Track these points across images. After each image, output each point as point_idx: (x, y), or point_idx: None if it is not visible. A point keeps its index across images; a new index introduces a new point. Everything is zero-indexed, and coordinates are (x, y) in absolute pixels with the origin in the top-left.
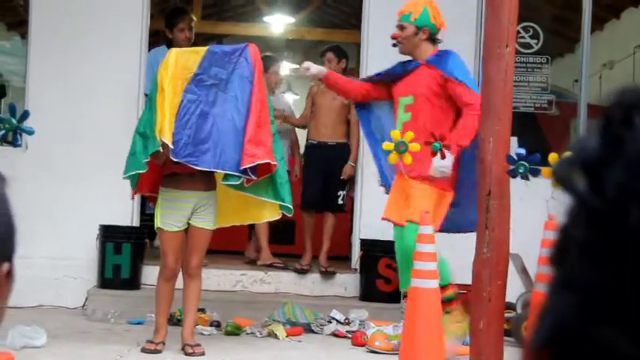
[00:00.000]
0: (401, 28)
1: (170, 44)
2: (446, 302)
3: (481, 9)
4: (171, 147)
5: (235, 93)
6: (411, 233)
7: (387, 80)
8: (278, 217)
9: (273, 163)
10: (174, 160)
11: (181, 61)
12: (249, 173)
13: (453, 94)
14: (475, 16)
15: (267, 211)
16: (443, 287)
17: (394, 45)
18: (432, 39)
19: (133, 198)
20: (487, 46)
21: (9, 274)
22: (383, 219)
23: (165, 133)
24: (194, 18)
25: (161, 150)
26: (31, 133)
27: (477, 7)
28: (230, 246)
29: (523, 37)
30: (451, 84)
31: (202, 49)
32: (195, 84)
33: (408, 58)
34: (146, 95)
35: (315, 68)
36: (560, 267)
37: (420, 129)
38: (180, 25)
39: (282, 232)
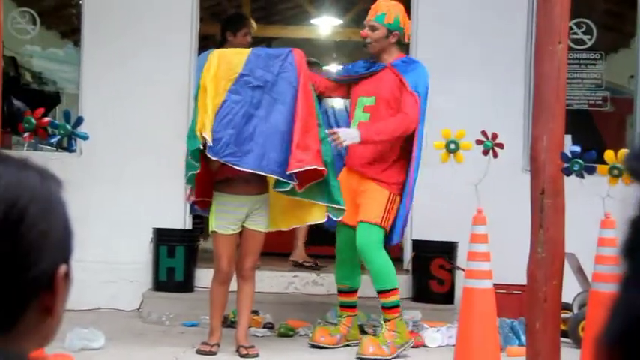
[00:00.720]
0: (373, 28)
1: (220, 48)
2: (388, 308)
3: (532, 5)
4: (210, 144)
5: (279, 97)
6: (369, 233)
7: (349, 79)
8: (324, 220)
9: (320, 168)
10: (214, 158)
11: (225, 62)
12: (294, 178)
13: (402, 97)
14: (526, 12)
15: (314, 214)
16: (387, 291)
17: (364, 45)
18: (400, 43)
19: (189, 202)
20: (539, 43)
21: (67, 276)
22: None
23: (206, 129)
24: (254, 24)
25: (201, 147)
26: (85, 138)
27: (528, 4)
28: (282, 248)
29: (576, 34)
30: (406, 91)
31: (246, 51)
32: (240, 85)
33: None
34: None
35: None
36: (631, 263)
37: None
38: (244, 30)
39: (332, 234)
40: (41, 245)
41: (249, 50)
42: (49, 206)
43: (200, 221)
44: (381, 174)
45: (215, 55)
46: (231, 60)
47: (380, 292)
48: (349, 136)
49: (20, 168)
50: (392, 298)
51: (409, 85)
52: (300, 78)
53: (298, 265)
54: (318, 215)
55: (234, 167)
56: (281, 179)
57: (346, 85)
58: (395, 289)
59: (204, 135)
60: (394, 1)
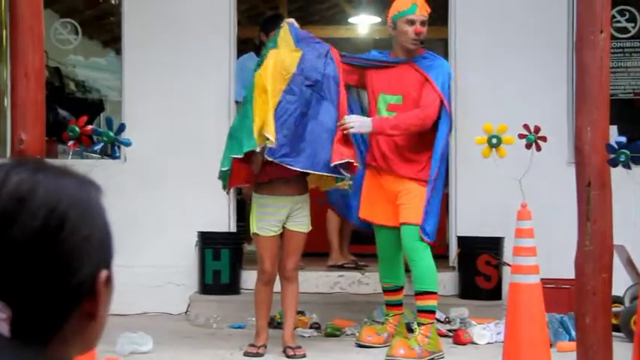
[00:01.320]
0: (425, 24)
1: (259, 51)
2: (424, 312)
3: None
4: (274, 144)
5: (326, 94)
6: (416, 233)
7: (363, 67)
8: (332, 187)
9: (355, 164)
10: (270, 159)
11: (279, 62)
12: (342, 172)
13: (424, 93)
14: (567, 1)
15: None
16: (427, 294)
17: (421, 42)
18: None
19: (227, 194)
20: (580, 32)
21: (108, 281)
22: (362, 220)
23: (269, 129)
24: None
25: (258, 149)
26: (128, 144)
27: None
28: (326, 248)
29: (619, 22)
30: (429, 87)
31: (298, 51)
32: (294, 85)
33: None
34: (237, 102)
35: None
36: None
37: None
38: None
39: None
40: (82, 251)
41: (301, 50)
42: (88, 212)
43: (244, 224)
44: (418, 173)
45: (272, 55)
46: (285, 60)
47: (419, 294)
48: (359, 124)
49: (58, 175)
50: (430, 302)
51: (434, 81)
52: (340, 74)
53: (339, 268)
54: (326, 183)
55: (289, 167)
56: (330, 175)
57: (358, 73)
58: (434, 293)
59: (267, 135)
60: None
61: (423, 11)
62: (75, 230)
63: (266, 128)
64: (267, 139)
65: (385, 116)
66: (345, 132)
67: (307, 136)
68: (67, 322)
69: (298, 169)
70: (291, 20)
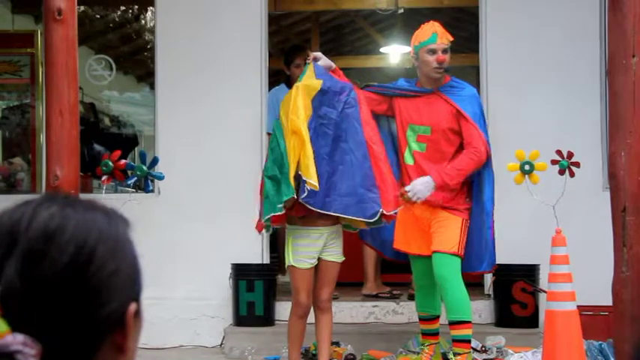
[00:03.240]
0: (447, 52)
1: (289, 82)
2: (459, 342)
3: (604, 19)
4: (317, 187)
5: (343, 134)
6: (447, 262)
7: (391, 96)
8: (356, 230)
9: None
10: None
11: (303, 97)
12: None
13: (463, 130)
14: (598, 26)
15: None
16: (461, 323)
17: (446, 70)
18: None
19: (260, 233)
20: (612, 57)
21: (137, 314)
22: (396, 250)
23: (311, 175)
24: (310, 54)
25: (295, 197)
26: (161, 178)
27: (600, 17)
28: (359, 278)
29: None
30: (464, 120)
31: (316, 87)
32: (311, 122)
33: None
34: (269, 134)
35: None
36: None
37: (435, 163)
38: (296, 62)
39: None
40: (110, 285)
41: (318, 87)
42: (116, 246)
43: (277, 255)
44: (451, 201)
45: (298, 93)
46: (306, 97)
47: (453, 324)
48: (423, 189)
49: (87, 210)
50: (464, 332)
51: (467, 114)
52: (362, 113)
53: (373, 297)
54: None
55: (308, 206)
56: (346, 216)
57: (387, 103)
58: (469, 322)
59: (311, 181)
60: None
61: (443, 39)
62: (103, 265)
63: (308, 175)
64: (306, 182)
65: (428, 156)
66: (413, 202)
67: (322, 175)
68: (96, 356)
69: (312, 208)
70: (318, 55)
